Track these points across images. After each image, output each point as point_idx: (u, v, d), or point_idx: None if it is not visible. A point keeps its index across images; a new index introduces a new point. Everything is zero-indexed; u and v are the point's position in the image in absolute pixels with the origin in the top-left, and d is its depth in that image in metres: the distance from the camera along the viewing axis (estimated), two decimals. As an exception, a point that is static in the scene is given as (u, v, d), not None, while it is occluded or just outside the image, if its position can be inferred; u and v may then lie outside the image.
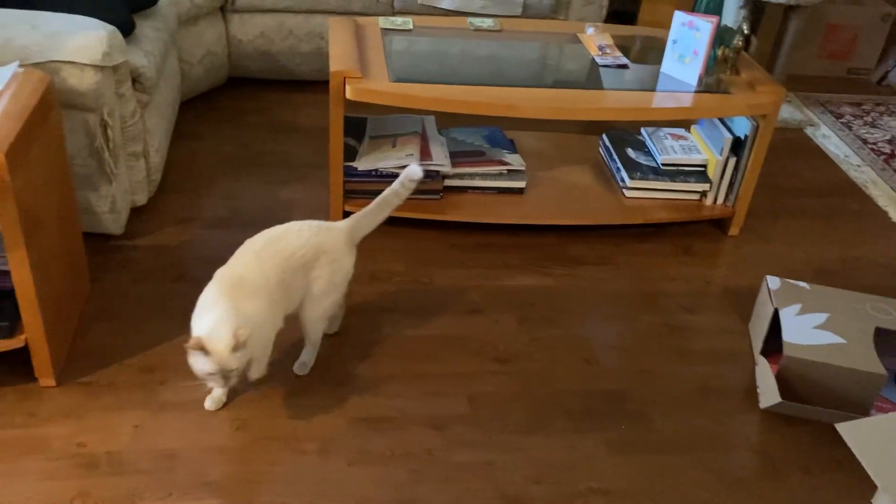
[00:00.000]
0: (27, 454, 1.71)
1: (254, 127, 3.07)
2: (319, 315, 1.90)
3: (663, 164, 2.65)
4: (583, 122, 3.15)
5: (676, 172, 2.65)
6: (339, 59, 2.31)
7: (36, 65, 1.97)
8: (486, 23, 2.76)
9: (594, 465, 1.83)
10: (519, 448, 1.85)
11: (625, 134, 2.88)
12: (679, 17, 2.41)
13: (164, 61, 2.55)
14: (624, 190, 2.66)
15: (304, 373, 1.97)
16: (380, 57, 2.41)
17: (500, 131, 2.80)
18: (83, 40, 2.00)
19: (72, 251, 2.02)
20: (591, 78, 2.43)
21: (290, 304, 1.82)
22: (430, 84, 2.27)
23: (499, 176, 2.61)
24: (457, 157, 2.60)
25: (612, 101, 2.29)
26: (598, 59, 2.55)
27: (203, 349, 1.54)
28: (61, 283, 1.91)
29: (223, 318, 1.58)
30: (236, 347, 1.55)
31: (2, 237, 1.65)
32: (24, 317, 1.76)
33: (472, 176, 2.58)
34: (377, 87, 2.24)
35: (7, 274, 1.73)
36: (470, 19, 2.78)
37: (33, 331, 1.77)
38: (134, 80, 2.30)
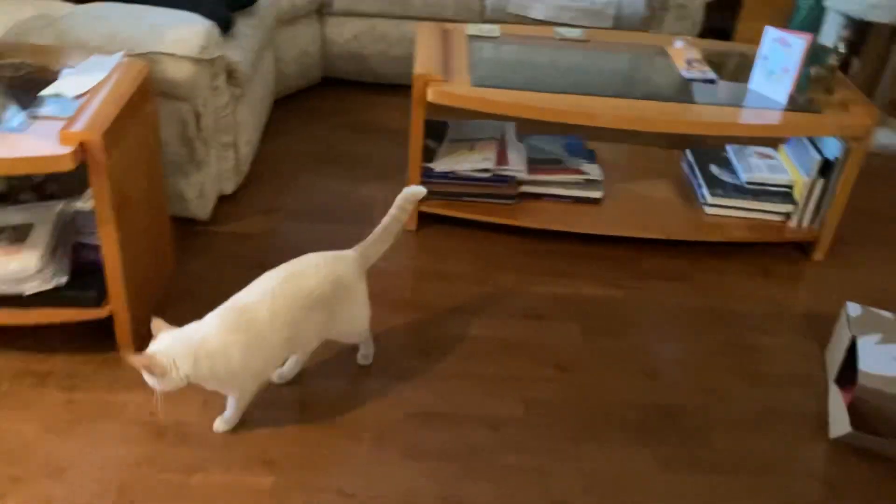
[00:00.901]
0: (104, 417, 1.83)
1: (341, 126, 3.16)
2: (356, 335, 1.95)
3: (747, 183, 2.59)
4: (667, 138, 3.11)
5: (761, 192, 2.58)
6: (423, 62, 2.36)
7: (139, 55, 2.10)
8: (574, 33, 2.76)
9: (645, 479, 1.81)
10: (570, 456, 1.85)
11: (710, 151, 2.82)
12: (770, 32, 2.36)
13: (259, 58, 2.67)
14: (704, 206, 2.62)
15: (367, 363, 2.03)
16: (463, 62, 2.46)
17: (581, 141, 2.80)
18: (182, 34, 2.13)
19: (159, 232, 2.14)
20: (676, 91, 2.41)
21: (301, 341, 1.79)
22: (509, 90, 2.29)
23: (575, 185, 2.61)
24: (534, 164, 2.62)
25: (694, 115, 2.26)
26: (684, 73, 2.52)
27: (154, 336, 1.63)
28: (146, 261, 2.03)
29: (171, 342, 1.62)
30: (146, 367, 1.58)
31: (95, 214, 1.77)
32: (110, 289, 1.87)
33: (548, 183, 2.59)
34: (458, 90, 2.28)
35: (97, 248, 1.86)
36: (556, 29, 2.79)
37: (117, 303, 1.89)
38: (228, 75, 2.41)
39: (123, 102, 1.80)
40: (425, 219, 2.58)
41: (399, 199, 1.92)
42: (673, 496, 1.77)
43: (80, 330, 2.02)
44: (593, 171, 2.62)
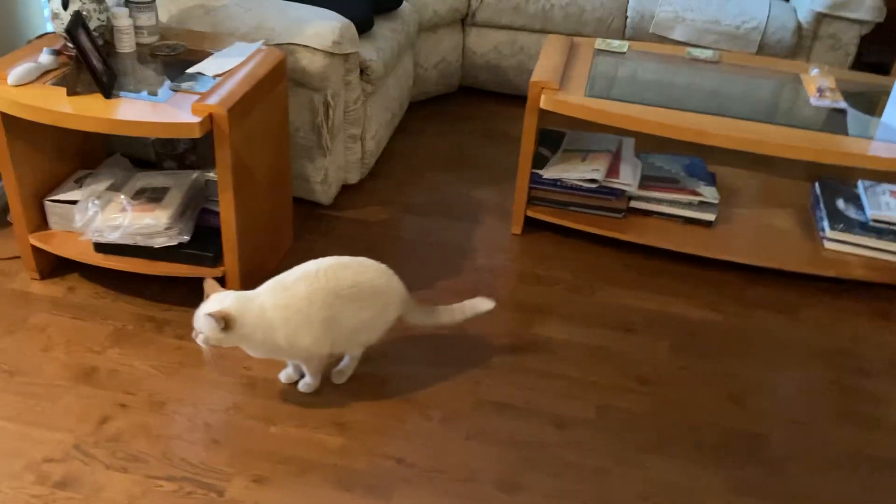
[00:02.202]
0: (202, 364, 2.02)
1: (470, 133, 3.28)
2: (354, 346, 1.97)
3: (873, 220, 2.47)
4: (798, 168, 2.99)
5: (886, 230, 2.44)
6: (542, 71, 2.43)
7: (279, 45, 2.30)
8: (705, 53, 2.74)
9: (710, 498, 1.77)
10: (634, 464, 1.84)
11: (840, 185, 2.70)
12: (909, 62, 2.25)
13: (395, 60, 2.83)
14: (823, 240, 2.51)
15: (340, 381, 1.99)
16: (583, 74, 2.50)
17: (702, 163, 2.76)
18: (318, 28, 2.32)
19: (279, 207, 2.33)
20: (797, 116, 2.34)
21: (341, 329, 1.84)
22: (620, 102, 2.32)
23: (688, 205, 2.58)
24: (649, 180, 2.61)
25: (810, 141, 2.19)
26: (812, 100, 2.44)
27: (206, 294, 1.76)
28: (264, 231, 2.22)
29: (230, 297, 1.73)
30: (210, 321, 1.69)
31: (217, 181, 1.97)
32: (225, 251, 2.07)
33: (659, 201, 2.58)
34: (570, 99, 2.33)
35: (217, 213, 2.06)
36: (689, 49, 2.77)
37: (230, 264, 2.08)
38: (362, 71, 2.59)
39: (253, 84, 1.99)
40: (531, 224, 2.64)
41: (467, 304, 2.01)
42: (733, 519, 1.73)
43: (200, 286, 2.23)
44: (709, 193, 2.58)
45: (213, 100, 1.88)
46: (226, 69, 2.05)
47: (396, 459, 1.80)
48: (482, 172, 2.99)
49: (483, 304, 2.02)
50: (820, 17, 3.18)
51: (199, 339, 1.73)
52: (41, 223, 2.21)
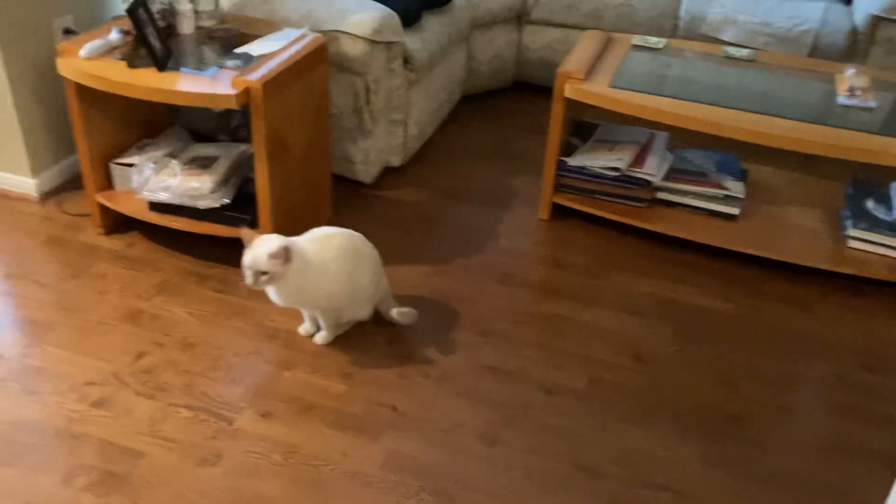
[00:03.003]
0: (236, 316, 2.24)
1: (518, 126, 3.41)
2: (354, 309, 2.16)
3: (898, 220, 2.46)
4: (839, 170, 2.99)
5: (912, 231, 2.44)
6: (570, 62, 2.55)
7: (324, 31, 2.52)
8: (741, 52, 2.78)
9: (681, 468, 1.86)
10: (614, 432, 1.95)
11: (873, 186, 2.70)
12: (933, 62, 2.25)
13: (441, 52, 3.00)
14: (847, 238, 2.52)
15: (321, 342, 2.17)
16: (613, 67, 2.61)
17: (736, 159, 2.80)
18: (360, 17, 2.51)
19: (317, 181, 2.54)
20: (820, 113, 2.37)
21: (352, 284, 2.06)
22: (640, 93, 2.41)
23: (713, 198, 2.64)
24: (677, 173, 2.69)
25: (826, 136, 2.23)
26: (840, 99, 2.46)
27: (249, 242, 1.91)
28: (299, 201, 2.43)
29: (284, 238, 1.91)
30: (274, 255, 1.86)
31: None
32: (260, 215, 2.29)
33: (684, 193, 2.65)
34: (593, 89, 2.44)
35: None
36: (725, 47, 2.83)
37: (264, 228, 2.30)
38: (405, 60, 2.77)
39: (290, 65, 2.20)
40: (559, 210, 2.76)
41: (397, 311, 2.19)
42: (702, 488, 1.81)
43: (240, 249, 2.47)
44: (736, 188, 2.63)
45: (251, 76, 2.10)
46: (268, 51, 2.27)
47: (390, 408, 1.97)
48: (522, 163, 3.12)
49: (404, 317, 2.19)
50: (876, 21, 3.16)
51: (262, 281, 1.90)
52: (107, 184, 2.49)
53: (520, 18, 3.56)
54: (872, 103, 2.44)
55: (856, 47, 3.23)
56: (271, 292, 2.00)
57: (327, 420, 1.93)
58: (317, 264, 1.99)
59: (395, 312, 2.18)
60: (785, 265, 2.55)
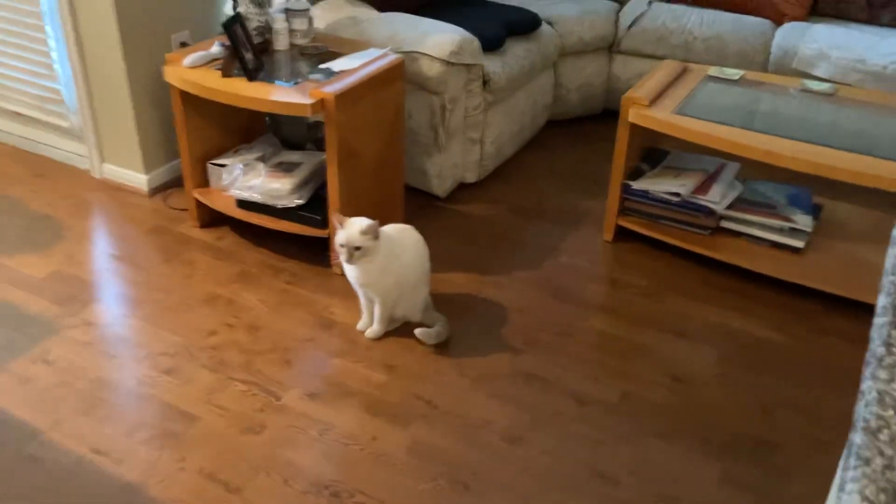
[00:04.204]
0: (300, 306, 2.44)
1: (599, 152, 3.49)
2: (405, 304, 2.32)
3: (972, 263, 2.37)
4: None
5: None
6: (639, 89, 2.62)
7: (405, 52, 2.71)
8: (821, 86, 2.76)
9: (697, 484, 1.88)
10: (637, 444, 1.99)
11: (955, 228, 2.60)
12: None
13: (524, 77, 3.14)
14: (916, 279, 2.45)
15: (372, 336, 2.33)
16: (682, 95, 2.66)
17: (809, 194, 2.77)
18: (439, 40, 2.69)
19: (389, 190, 2.72)
20: (888, 148, 2.33)
21: (412, 274, 2.26)
22: (700, 120, 2.45)
23: (778, 230, 2.62)
24: (745, 203, 2.69)
25: (885, 171, 2.20)
26: (915, 135, 2.41)
27: (341, 224, 2.10)
28: (369, 206, 2.61)
29: (375, 221, 2.11)
30: (364, 232, 2.07)
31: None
32: (331, 217, 2.49)
33: (749, 223, 2.65)
34: (656, 115, 2.50)
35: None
36: (804, 81, 2.81)
37: (332, 228, 2.49)
38: (484, 82, 2.92)
39: (365, 80, 2.40)
40: (624, 233, 2.82)
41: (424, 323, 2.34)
42: (712, 505, 1.83)
43: (317, 246, 2.68)
44: (803, 221, 2.61)
45: (327, 88, 2.31)
46: (349, 67, 2.48)
47: (425, 400, 2.10)
48: (597, 187, 3.19)
49: (425, 335, 2.29)
50: (980, 61, 3.04)
51: (357, 255, 2.11)
52: (204, 182, 2.77)
53: (610, 48, 3.65)
54: (949, 141, 2.38)
55: (958, 87, 3.11)
56: (354, 271, 2.19)
57: (364, 405, 2.08)
58: (396, 248, 2.20)
59: (420, 330, 2.30)
60: (847, 301, 2.51)
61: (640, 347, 2.33)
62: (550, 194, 3.13)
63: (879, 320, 0.80)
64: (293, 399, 2.09)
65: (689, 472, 1.92)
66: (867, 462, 0.63)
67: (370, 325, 2.33)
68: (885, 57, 3.15)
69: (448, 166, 2.95)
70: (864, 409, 0.69)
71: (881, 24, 3.51)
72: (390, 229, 2.27)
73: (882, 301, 0.84)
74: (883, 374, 0.71)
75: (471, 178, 3.10)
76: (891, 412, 0.68)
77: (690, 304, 2.52)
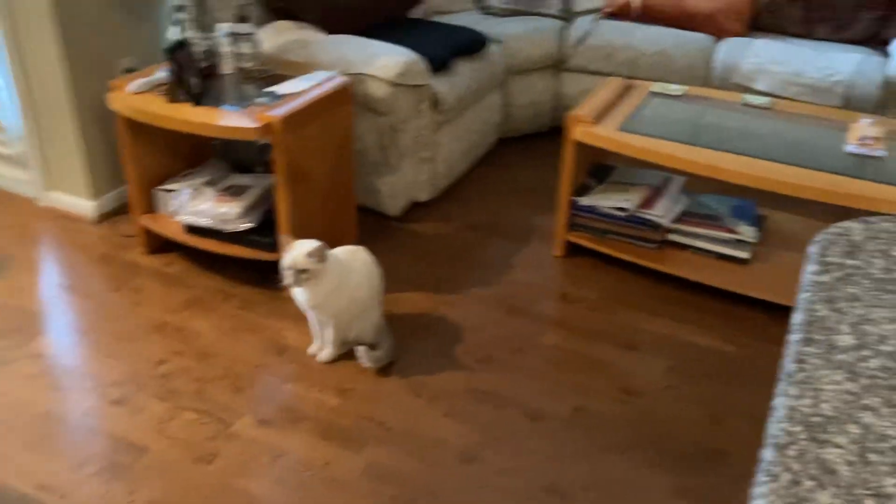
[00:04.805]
0: (252, 332, 2.42)
1: (549, 167, 3.53)
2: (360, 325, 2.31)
3: (908, 270, 2.45)
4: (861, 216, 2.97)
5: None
6: (584, 107, 2.67)
7: (352, 74, 2.72)
8: (760, 100, 2.84)
9: (650, 498, 1.91)
10: (591, 459, 2.01)
11: None
12: (937, 112, 2.26)
13: (472, 96, 3.17)
14: (856, 286, 2.52)
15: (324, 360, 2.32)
16: (626, 112, 2.71)
17: (753, 205, 2.84)
18: (386, 62, 2.71)
19: (340, 211, 2.72)
20: (823, 160, 2.40)
21: (362, 295, 2.26)
22: (644, 136, 2.50)
23: (723, 242, 2.68)
24: (689, 216, 2.75)
25: (819, 182, 2.26)
26: (849, 147, 2.49)
27: (288, 246, 2.11)
28: (321, 228, 2.60)
29: (322, 243, 2.11)
30: (310, 254, 2.06)
31: (275, 178, 2.39)
32: (280, 243, 2.48)
33: (695, 235, 2.70)
34: (600, 132, 2.55)
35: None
36: (744, 95, 2.89)
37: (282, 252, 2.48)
38: (434, 102, 2.95)
39: (312, 103, 2.40)
40: (573, 248, 2.85)
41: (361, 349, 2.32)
42: (664, 516, 1.85)
43: (269, 270, 2.66)
44: (748, 232, 2.67)
45: (273, 112, 2.31)
46: (296, 90, 2.48)
47: (378, 423, 2.10)
48: (546, 202, 3.23)
49: (366, 358, 2.29)
50: (911, 73, 3.15)
51: (303, 278, 2.10)
52: (151, 208, 2.73)
53: (557, 66, 3.70)
54: (881, 153, 2.46)
55: (890, 99, 3.22)
56: (303, 294, 2.18)
57: (318, 430, 2.06)
58: (347, 270, 2.20)
59: (363, 350, 2.29)
60: (792, 310, 2.56)
61: (592, 361, 2.36)
62: (502, 211, 3.16)
63: (793, 337, 0.83)
64: (245, 426, 2.07)
65: (643, 485, 1.94)
66: (775, 478, 0.64)
67: (322, 348, 2.32)
68: (821, 70, 3.25)
69: (400, 186, 2.96)
70: (774, 426, 0.71)
71: (817, 39, 3.62)
72: (340, 251, 2.27)
73: (796, 318, 0.87)
74: (793, 391, 0.74)
75: (423, 196, 3.11)
76: (799, 428, 0.70)
77: (640, 317, 2.56)
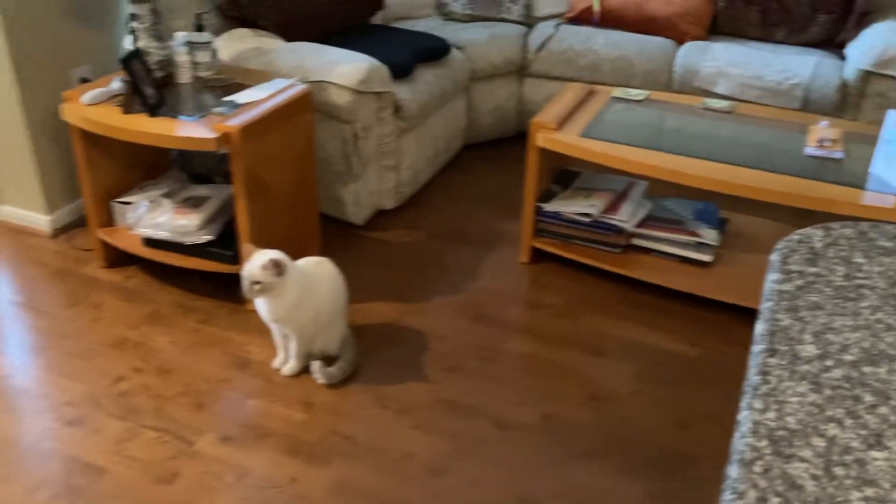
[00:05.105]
0: (214, 346, 2.37)
1: (515, 173, 3.52)
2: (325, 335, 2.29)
3: (868, 270, 2.47)
4: (826, 220, 3.01)
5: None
6: (546, 113, 2.66)
7: (312, 82, 2.68)
8: (721, 104, 2.86)
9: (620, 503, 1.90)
10: (561, 466, 2.00)
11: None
12: (892, 116, 2.30)
13: (436, 102, 3.14)
14: (818, 287, 2.54)
15: (288, 373, 2.28)
16: (588, 118, 2.71)
17: (715, 208, 2.86)
18: (347, 69, 2.68)
19: (304, 221, 2.68)
20: (784, 163, 2.42)
21: (328, 307, 2.24)
22: (607, 142, 2.50)
23: (686, 245, 2.69)
24: (653, 220, 2.75)
25: (780, 185, 2.28)
26: (808, 150, 2.51)
27: (248, 255, 2.08)
28: (283, 238, 2.56)
29: (278, 253, 2.08)
30: (265, 267, 2.03)
31: (235, 189, 2.34)
32: (241, 252, 2.43)
33: (658, 239, 2.71)
34: (563, 139, 2.54)
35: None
36: (705, 100, 2.91)
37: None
38: (396, 109, 2.92)
39: (271, 112, 2.37)
40: (538, 254, 2.85)
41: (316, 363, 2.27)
42: (633, 524, 1.84)
43: (230, 283, 2.61)
44: (709, 235, 2.69)
45: (231, 121, 2.27)
46: (255, 99, 2.44)
47: (344, 437, 2.06)
48: (512, 208, 3.22)
49: (319, 373, 2.24)
50: (866, 76, 3.20)
51: (256, 290, 2.06)
52: (109, 221, 2.67)
53: (520, 72, 3.70)
54: (839, 154, 2.49)
55: (847, 101, 3.27)
56: (264, 307, 2.13)
57: (282, 446, 2.02)
58: (312, 282, 2.16)
59: (317, 366, 2.24)
60: (755, 312, 2.58)
61: (560, 368, 2.35)
62: (468, 218, 3.14)
63: (756, 348, 0.82)
64: (207, 444, 2.02)
65: (613, 491, 1.93)
66: (741, 496, 0.63)
67: (286, 361, 2.28)
68: (781, 73, 3.28)
69: (364, 194, 2.93)
70: (739, 441, 0.70)
71: (776, 42, 3.66)
72: (305, 263, 2.23)
73: (759, 328, 0.86)
74: (758, 404, 0.73)
75: (388, 204, 3.08)
76: (765, 443, 0.69)
77: (606, 322, 2.55)
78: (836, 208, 2.26)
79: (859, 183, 2.32)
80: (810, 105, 3.25)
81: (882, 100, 3.22)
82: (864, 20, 3.51)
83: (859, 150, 2.53)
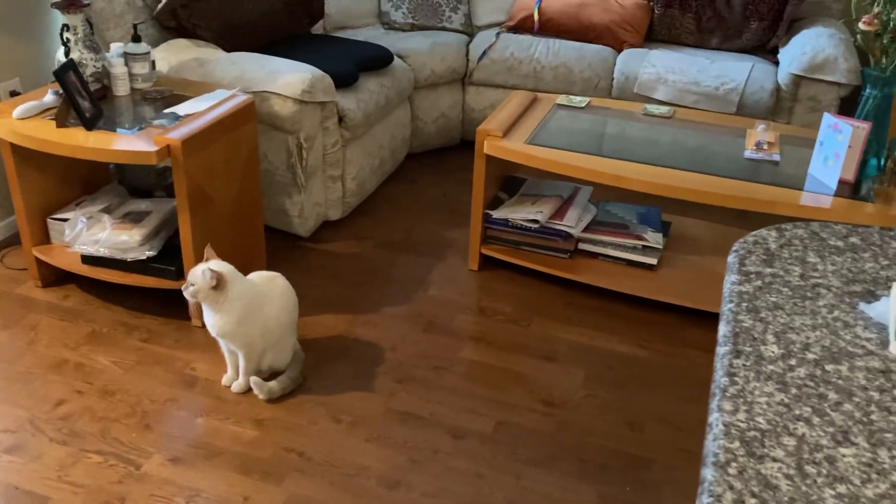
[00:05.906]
0: (159, 364, 2.30)
1: (461, 181, 3.53)
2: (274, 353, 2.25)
3: (807, 269, 2.55)
4: (766, 221, 3.09)
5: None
6: (492, 120, 2.67)
7: (255, 92, 2.64)
8: (660, 110, 2.91)
9: (577, 509, 1.90)
10: (515, 473, 1.99)
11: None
12: (827, 119, 2.37)
13: (380, 111, 3.13)
14: (760, 287, 2.60)
15: (238, 390, 2.22)
16: (533, 125, 2.73)
17: (658, 212, 2.90)
18: (290, 79, 2.64)
19: (249, 234, 2.62)
20: (724, 166, 2.48)
21: (277, 325, 2.19)
22: (554, 149, 2.52)
23: (632, 249, 2.73)
24: (598, 225, 2.78)
25: (720, 188, 2.33)
26: (747, 153, 2.57)
27: (207, 258, 2.07)
28: (228, 252, 2.49)
29: (225, 266, 2.06)
30: (204, 273, 2.01)
31: (178, 203, 2.28)
32: (186, 267, 2.37)
33: (604, 244, 2.74)
34: (509, 146, 2.55)
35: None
36: (646, 105, 2.96)
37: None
38: (341, 119, 2.89)
39: (213, 123, 2.31)
40: (487, 261, 2.85)
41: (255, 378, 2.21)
42: (592, 528, 1.85)
43: (174, 299, 2.54)
44: (654, 238, 2.73)
45: (172, 134, 2.21)
46: (196, 110, 2.38)
47: (297, 453, 2.02)
48: (461, 217, 3.22)
49: (257, 388, 2.19)
50: (798, 80, 3.30)
51: (189, 292, 2.03)
52: (44, 239, 2.57)
53: (463, 80, 3.71)
54: (777, 157, 2.55)
55: (781, 105, 3.37)
56: (210, 319, 2.09)
57: (234, 465, 1.97)
58: (260, 298, 2.12)
59: (256, 382, 2.18)
60: (701, 313, 2.63)
61: (512, 374, 2.35)
62: (416, 227, 3.13)
63: (721, 349, 0.83)
64: (155, 466, 1.96)
65: (567, 497, 1.93)
66: (718, 498, 0.63)
67: (235, 378, 2.23)
68: (717, 79, 3.37)
69: (310, 205, 2.89)
70: (712, 443, 0.70)
71: (711, 48, 3.75)
72: (257, 278, 2.18)
73: (722, 329, 0.87)
74: (727, 406, 0.73)
75: (334, 215, 3.05)
76: (737, 444, 0.69)
77: (556, 327, 2.57)
78: (776, 209, 2.32)
79: (798, 184, 2.39)
80: (746, 109, 3.34)
81: (814, 103, 3.33)
82: (794, 27, 3.63)
83: (795, 153, 2.61)
